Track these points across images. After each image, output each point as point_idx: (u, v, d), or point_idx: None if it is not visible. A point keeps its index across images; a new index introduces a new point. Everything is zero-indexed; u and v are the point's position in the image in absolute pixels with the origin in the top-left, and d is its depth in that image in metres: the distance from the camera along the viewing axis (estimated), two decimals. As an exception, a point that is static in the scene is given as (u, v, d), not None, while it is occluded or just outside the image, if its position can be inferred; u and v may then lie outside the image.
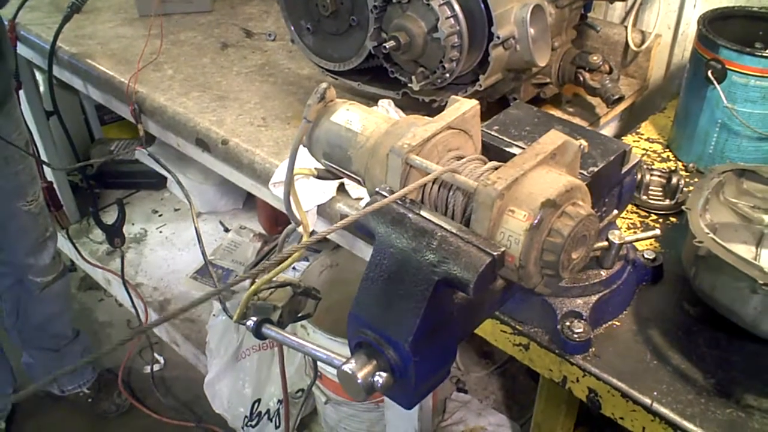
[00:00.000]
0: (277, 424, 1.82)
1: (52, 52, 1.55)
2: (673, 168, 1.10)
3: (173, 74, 1.48)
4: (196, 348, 2.06)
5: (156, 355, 2.17)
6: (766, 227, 0.94)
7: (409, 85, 1.10)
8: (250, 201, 2.50)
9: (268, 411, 1.83)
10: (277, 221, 2.34)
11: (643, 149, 1.22)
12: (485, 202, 0.65)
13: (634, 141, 1.24)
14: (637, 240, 0.91)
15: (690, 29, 1.34)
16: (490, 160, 0.74)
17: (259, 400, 1.83)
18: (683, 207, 0.89)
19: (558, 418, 1.28)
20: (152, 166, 2.31)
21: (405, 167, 0.71)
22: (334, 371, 1.54)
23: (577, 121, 1.25)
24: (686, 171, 1.13)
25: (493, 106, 1.20)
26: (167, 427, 1.98)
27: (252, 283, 1.07)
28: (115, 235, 1.96)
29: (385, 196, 0.71)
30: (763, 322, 0.78)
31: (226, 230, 2.44)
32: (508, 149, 0.78)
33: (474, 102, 0.75)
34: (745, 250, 0.94)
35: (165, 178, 2.58)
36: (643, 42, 1.35)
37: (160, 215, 2.54)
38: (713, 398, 0.80)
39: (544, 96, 1.26)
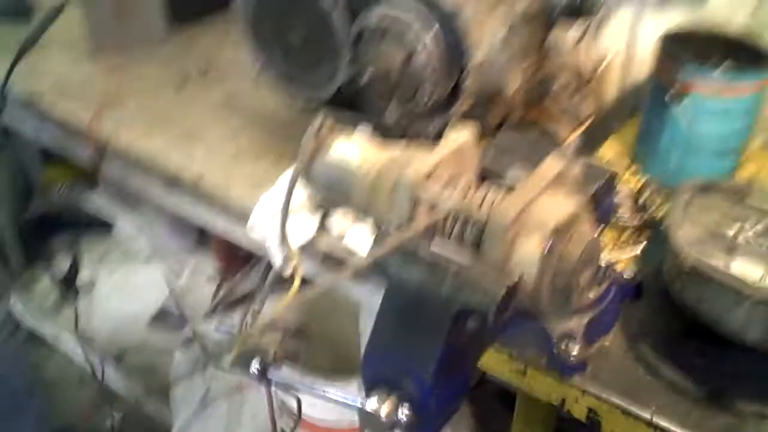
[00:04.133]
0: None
1: (2, 95, 1.49)
2: (638, 187, 1.16)
3: (134, 112, 1.45)
4: (158, 400, 2.00)
5: (114, 413, 2.09)
6: (731, 239, 0.99)
7: (385, 114, 1.12)
8: (202, 238, 2.44)
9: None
10: (235, 256, 2.30)
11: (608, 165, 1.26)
12: (497, 231, 0.67)
13: (597, 158, 1.29)
14: (621, 259, 0.95)
15: (643, 49, 1.41)
16: (491, 186, 0.76)
17: (230, 446, 1.79)
18: (662, 227, 0.94)
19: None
20: (100, 211, 2.25)
21: (411, 200, 0.73)
22: (315, 414, 1.54)
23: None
24: (651, 188, 1.18)
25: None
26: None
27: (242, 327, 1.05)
28: (68, 287, 1.90)
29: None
30: (749, 332, 0.83)
31: (179, 276, 2.37)
32: (506, 174, 0.80)
33: (470, 131, 0.77)
34: (715, 259, 0.99)
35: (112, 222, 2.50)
36: (598, 63, 1.40)
37: (108, 260, 2.45)
38: (708, 407, 0.84)
39: (512, 119, 1.29)
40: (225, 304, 2.18)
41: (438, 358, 0.69)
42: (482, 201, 0.71)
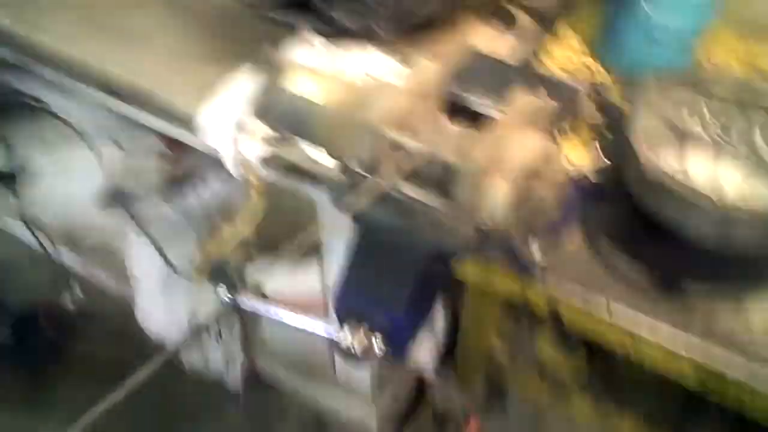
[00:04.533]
0: (218, 339, 1.84)
1: None
2: (600, 81, 1.14)
3: (63, 14, 1.30)
4: (116, 277, 2.02)
5: (75, 290, 2.10)
6: (691, 131, 1.01)
7: (342, 21, 1.05)
8: (143, 118, 2.36)
9: (207, 327, 1.84)
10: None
11: (568, 57, 1.23)
12: (467, 174, 0.66)
13: (557, 48, 1.25)
14: (583, 160, 0.96)
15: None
16: (454, 118, 0.74)
17: (195, 318, 1.83)
18: (622, 123, 0.93)
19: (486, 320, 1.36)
20: (30, 92, 2.12)
21: (375, 141, 0.70)
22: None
23: (500, 28, 1.24)
24: (612, 81, 1.16)
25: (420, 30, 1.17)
26: (104, 360, 1.96)
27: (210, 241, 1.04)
28: (5, 172, 1.84)
29: (359, 172, 0.71)
30: (707, 236, 0.86)
31: (124, 151, 2.30)
32: (472, 106, 0.77)
33: (437, 66, 0.74)
34: (673, 154, 1.01)
35: (45, 104, 2.36)
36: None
37: (45, 142, 2.35)
38: (661, 294, 0.90)
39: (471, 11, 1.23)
40: (174, 182, 2.14)
41: (410, 296, 0.71)
42: (450, 141, 0.69)
